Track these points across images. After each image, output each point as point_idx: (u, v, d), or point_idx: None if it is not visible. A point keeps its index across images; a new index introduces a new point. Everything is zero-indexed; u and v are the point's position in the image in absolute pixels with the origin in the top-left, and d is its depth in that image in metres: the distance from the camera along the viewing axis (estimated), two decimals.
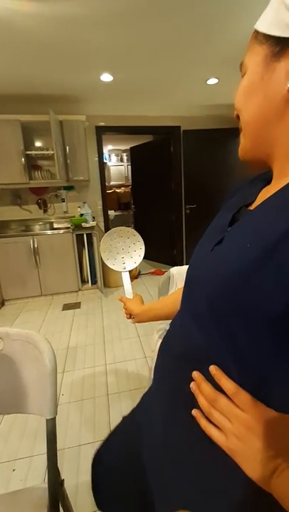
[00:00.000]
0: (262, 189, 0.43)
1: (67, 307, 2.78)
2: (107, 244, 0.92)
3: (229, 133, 3.47)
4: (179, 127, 3.49)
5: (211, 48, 2.04)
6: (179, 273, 1.38)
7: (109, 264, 0.92)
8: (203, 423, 0.37)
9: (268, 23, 0.33)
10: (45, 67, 2.20)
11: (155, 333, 1.36)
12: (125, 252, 0.94)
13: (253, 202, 0.42)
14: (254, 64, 0.35)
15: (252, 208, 0.41)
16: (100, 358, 1.93)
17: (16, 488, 0.81)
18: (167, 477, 0.44)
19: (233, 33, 1.85)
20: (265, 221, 0.33)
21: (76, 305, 2.81)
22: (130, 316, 0.84)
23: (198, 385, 0.38)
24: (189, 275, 0.45)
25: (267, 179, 0.43)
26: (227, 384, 0.34)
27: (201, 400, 0.37)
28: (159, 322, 1.28)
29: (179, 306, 0.72)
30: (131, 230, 0.94)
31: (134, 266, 0.92)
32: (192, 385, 0.39)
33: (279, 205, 0.33)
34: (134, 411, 0.64)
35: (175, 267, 1.43)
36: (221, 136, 3.52)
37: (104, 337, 2.19)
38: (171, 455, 0.44)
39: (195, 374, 0.39)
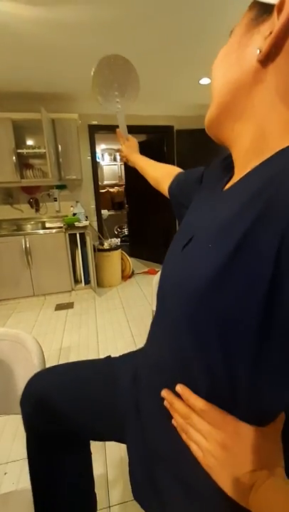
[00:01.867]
0: (228, 181, 0.41)
1: (60, 307, 2.75)
2: (98, 79, 0.78)
3: None
4: (172, 127, 3.49)
5: (203, 47, 2.05)
6: None
7: (102, 102, 0.82)
8: (184, 437, 0.36)
9: None
10: (37, 65, 2.17)
11: None
12: (119, 88, 0.80)
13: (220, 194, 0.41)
14: (238, 29, 0.34)
15: (215, 204, 0.39)
16: (93, 357, 1.90)
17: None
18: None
19: (225, 32, 1.85)
20: (227, 221, 0.31)
21: (69, 305, 2.79)
22: (126, 160, 0.88)
23: (171, 404, 0.37)
24: (161, 280, 0.43)
25: (231, 169, 0.41)
26: (196, 402, 0.33)
27: (176, 418, 0.37)
28: None
29: (163, 177, 0.75)
30: (124, 59, 0.79)
31: (130, 104, 0.81)
32: (165, 403, 0.38)
33: (243, 201, 0.30)
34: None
35: None
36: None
37: (98, 337, 2.17)
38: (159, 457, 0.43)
39: (164, 393, 0.38)
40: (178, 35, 1.88)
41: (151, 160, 0.84)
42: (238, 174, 0.36)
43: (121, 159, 0.90)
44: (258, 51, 0.30)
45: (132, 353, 0.65)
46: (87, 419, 0.58)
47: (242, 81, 0.32)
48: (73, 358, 1.93)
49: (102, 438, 0.67)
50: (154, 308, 1.39)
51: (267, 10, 0.30)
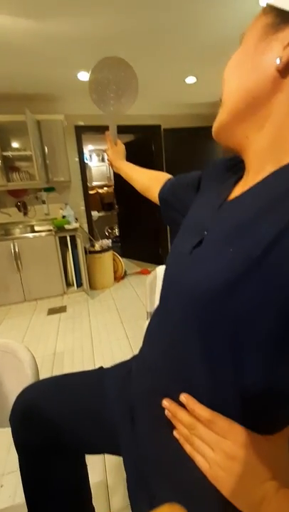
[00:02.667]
0: (236, 182, 0.41)
1: (52, 311, 2.70)
2: (96, 76, 0.75)
3: (209, 131, 3.49)
4: (160, 126, 3.48)
5: (188, 46, 2.04)
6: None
7: (95, 101, 0.79)
8: (188, 449, 0.34)
9: None
10: (20, 64, 2.12)
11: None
12: (116, 91, 0.77)
13: (228, 197, 0.40)
14: (252, 34, 0.33)
15: (228, 206, 0.38)
16: (88, 362, 1.88)
17: (4, 506, 0.77)
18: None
19: (209, 32, 1.86)
20: (247, 223, 0.30)
21: (62, 309, 2.74)
22: (111, 164, 0.88)
23: (174, 414, 0.35)
24: (167, 283, 0.42)
25: (238, 170, 0.41)
26: (202, 412, 0.32)
27: (180, 429, 0.35)
28: (147, 323, 1.25)
29: (152, 183, 0.74)
30: (128, 65, 0.77)
31: (124, 111, 0.79)
32: (167, 413, 0.37)
33: (262, 205, 0.30)
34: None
35: (161, 266, 1.41)
36: (202, 134, 3.54)
37: (93, 340, 2.14)
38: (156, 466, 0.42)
39: (166, 402, 0.36)
40: (163, 35, 1.87)
41: (138, 166, 0.83)
42: (253, 178, 0.36)
43: (108, 163, 0.90)
44: (278, 60, 0.29)
45: (124, 362, 0.64)
46: (79, 432, 0.56)
47: (259, 90, 0.32)
48: (67, 363, 1.89)
49: (96, 450, 0.65)
50: (149, 310, 1.37)
51: (286, 17, 0.30)
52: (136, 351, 0.55)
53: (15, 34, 1.72)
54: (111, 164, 0.89)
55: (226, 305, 0.29)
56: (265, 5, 0.33)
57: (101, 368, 0.68)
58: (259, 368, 0.27)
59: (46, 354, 2.00)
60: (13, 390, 0.73)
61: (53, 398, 0.58)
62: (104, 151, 0.81)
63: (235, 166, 0.43)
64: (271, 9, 0.31)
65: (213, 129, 0.39)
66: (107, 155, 0.88)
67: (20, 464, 0.59)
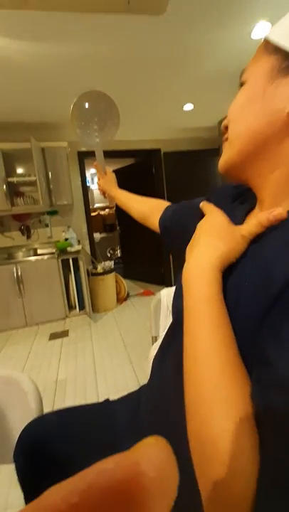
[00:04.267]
0: (248, 213, 0.40)
1: (54, 336, 2.64)
2: (77, 112, 0.77)
3: (208, 154, 3.61)
4: (159, 150, 3.60)
5: (186, 76, 2.16)
6: (169, 295, 1.33)
7: (80, 135, 0.80)
8: None
9: (281, 35, 0.30)
10: (26, 95, 2.24)
11: (149, 359, 1.28)
12: (99, 122, 0.79)
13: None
14: (258, 74, 0.32)
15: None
16: (91, 391, 1.80)
17: None
18: None
19: (206, 63, 1.97)
20: (267, 261, 0.30)
21: (64, 333, 2.68)
22: (104, 193, 0.89)
23: None
24: (178, 309, 0.41)
25: (246, 200, 0.40)
26: None
27: None
28: (153, 348, 1.21)
29: (152, 210, 0.74)
30: (105, 95, 0.79)
31: (108, 139, 0.80)
32: None
33: (280, 246, 0.30)
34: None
35: (165, 289, 1.39)
36: (200, 157, 3.65)
37: (95, 366, 2.07)
38: None
39: None
40: (162, 67, 1.98)
41: (133, 194, 0.83)
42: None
43: (99, 192, 0.93)
44: None
45: (132, 394, 0.61)
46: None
47: (271, 133, 0.32)
48: (70, 391, 1.81)
49: None
50: (154, 334, 1.33)
51: None
52: (140, 377, 0.53)
53: (21, 67, 1.83)
54: (104, 193, 0.89)
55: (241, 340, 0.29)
56: (264, 38, 0.33)
57: (107, 400, 0.64)
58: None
59: (48, 382, 1.92)
60: (17, 423, 0.69)
61: (60, 435, 0.55)
62: (96, 169, 0.82)
63: (243, 195, 0.43)
64: (276, 50, 0.31)
65: (221, 167, 0.39)
66: (99, 185, 0.89)
67: (25, 502, 0.54)
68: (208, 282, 0.31)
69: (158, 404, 0.44)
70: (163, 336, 0.52)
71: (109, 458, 0.09)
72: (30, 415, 0.67)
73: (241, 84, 0.36)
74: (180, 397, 0.35)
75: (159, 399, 0.44)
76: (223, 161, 0.38)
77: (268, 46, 0.32)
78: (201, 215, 0.54)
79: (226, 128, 0.38)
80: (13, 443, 0.68)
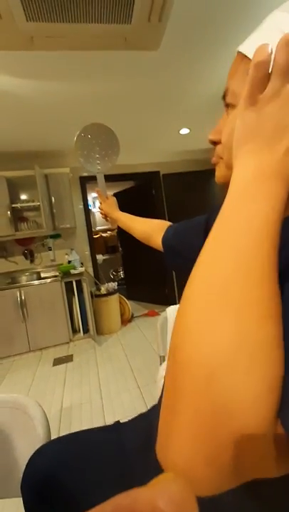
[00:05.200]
0: None
1: (58, 361, 2.57)
2: (80, 143, 0.86)
3: (205, 174, 3.73)
4: (158, 172, 3.71)
5: (181, 103, 2.28)
6: (175, 313, 1.31)
7: (83, 164, 0.87)
8: None
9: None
10: (31, 126, 2.36)
11: (158, 381, 1.24)
12: (100, 151, 0.87)
13: None
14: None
15: None
16: (98, 418, 1.72)
17: None
18: None
19: (200, 91, 2.09)
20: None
21: (68, 358, 2.61)
22: (106, 216, 0.90)
23: None
24: None
25: None
26: None
27: None
28: (162, 368, 1.17)
29: (154, 230, 0.75)
30: (106, 127, 0.88)
31: (109, 167, 0.87)
32: None
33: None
34: None
35: (171, 307, 1.37)
36: (198, 177, 3.76)
37: (101, 392, 1.99)
38: None
39: None
40: (158, 97, 2.10)
41: (135, 216, 0.86)
42: None
43: (101, 215, 0.98)
44: None
45: (143, 416, 0.58)
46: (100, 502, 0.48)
47: None
48: (76, 419, 1.73)
49: None
50: (162, 354, 1.29)
51: None
52: (148, 402, 0.51)
53: (26, 102, 1.94)
54: (106, 217, 0.92)
55: None
56: (242, 53, 0.33)
57: (118, 423, 0.61)
58: None
59: (53, 410, 1.84)
60: (23, 451, 0.66)
61: (69, 465, 0.51)
62: (97, 194, 0.87)
63: None
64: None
65: (219, 180, 0.40)
66: (101, 209, 0.92)
67: None
68: (276, 195, 0.24)
69: None
70: None
71: (126, 493, 0.09)
72: (37, 442, 0.64)
73: (227, 105, 0.37)
74: None
75: None
76: (221, 177, 0.39)
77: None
78: (205, 234, 0.55)
79: (215, 142, 0.39)
80: (19, 473, 0.64)
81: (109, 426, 0.61)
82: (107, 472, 0.50)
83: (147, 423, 0.52)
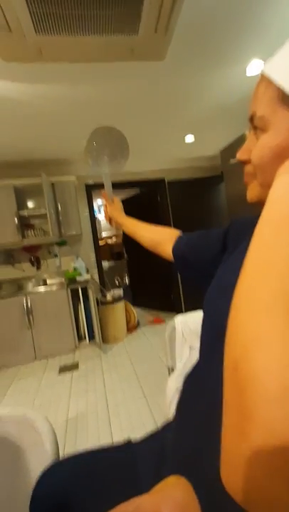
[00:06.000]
0: None
1: (64, 369, 2.55)
2: (91, 144, 0.86)
3: (211, 181, 3.72)
4: (164, 179, 3.73)
5: (186, 111, 2.29)
6: (184, 322, 1.28)
7: (91, 164, 0.86)
8: None
9: None
10: (38, 135, 2.39)
11: (167, 394, 1.21)
12: (110, 154, 0.87)
13: None
14: (284, 128, 0.33)
15: None
16: (104, 429, 1.69)
17: None
18: None
19: (205, 99, 2.10)
20: None
21: (74, 366, 2.59)
22: (110, 219, 0.89)
23: None
24: (217, 326, 0.40)
25: None
26: None
27: None
28: (170, 379, 1.15)
29: (164, 239, 0.73)
30: (118, 131, 0.88)
31: (118, 170, 0.87)
32: None
33: None
34: None
35: (179, 316, 1.35)
36: (204, 184, 3.76)
37: (108, 402, 1.96)
38: None
39: None
40: (164, 105, 2.12)
41: (141, 222, 0.85)
42: None
43: (105, 219, 0.97)
44: None
45: (155, 436, 0.56)
46: None
47: None
48: (82, 430, 1.71)
49: None
50: (170, 365, 1.26)
51: None
52: (155, 412, 0.49)
53: (33, 110, 1.98)
54: (110, 221, 0.91)
55: None
56: (280, 87, 0.32)
57: (129, 442, 0.59)
58: None
59: (58, 421, 1.82)
60: (31, 467, 0.64)
61: (79, 487, 0.50)
62: (104, 199, 0.87)
63: None
64: None
65: (252, 200, 0.40)
66: (106, 212, 0.91)
67: None
68: None
69: (182, 452, 0.40)
70: (189, 368, 0.49)
71: (130, 500, 0.08)
72: (45, 457, 0.62)
73: (254, 127, 0.36)
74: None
75: (184, 444, 0.40)
76: (255, 196, 0.39)
77: (285, 99, 0.32)
78: (223, 247, 0.53)
79: (245, 162, 0.39)
80: (26, 490, 0.62)
81: (120, 446, 0.59)
82: (117, 495, 0.48)
83: (160, 445, 0.50)
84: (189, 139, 2.96)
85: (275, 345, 0.20)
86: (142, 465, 0.50)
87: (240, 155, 0.40)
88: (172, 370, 1.23)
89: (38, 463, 0.64)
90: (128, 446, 0.57)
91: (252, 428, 0.18)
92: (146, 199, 3.97)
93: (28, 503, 0.52)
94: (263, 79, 0.34)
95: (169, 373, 1.23)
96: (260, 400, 0.18)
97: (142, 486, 0.47)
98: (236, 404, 0.20)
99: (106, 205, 0.92)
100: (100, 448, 0.59)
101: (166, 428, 0.53)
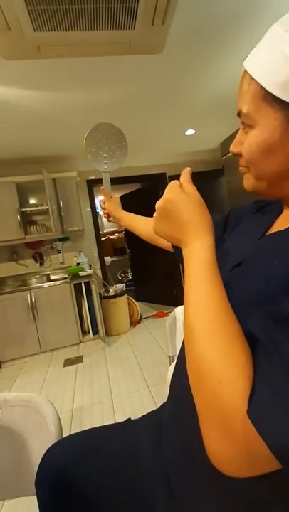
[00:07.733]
0: (277, 217, 0.44)
1: (68, 362, 2.60)
2: (90, 140, 0.88)
3: (212, 174, 3.71)
4: (165, 173, 3.72)
5: (186, 106, 2.29)
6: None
7: (91, 160, 0.89)
8: None
9: (280, 87, 0.31)
10: (38, 133, 2.41)
11: (167, 381, 1.24)
12: (108, 151, 0.89)
13: (268, 229, 0.43)
14: (269, 125, 0.34)
15: (268, 238, 0.41)
16: (108, 418, 1.74)
17: None
18: None
19: (204, 93, 2.09)
20: (282, 252, 0.34)
21: (78, 359, 2.64)
22: (108, 215, 0.92)
23: None
24: None
25: (278, 208, 0.44)
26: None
27: None
28: (171, 368, 1.18)
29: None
30: (117, 128, 0.89)
31: (116, 167, 0.90)
32: None
33: None
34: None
35: (180, 307, 1.37)
36: (205, 177, 3.75)
37: (112, 392, 2.01)
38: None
39: None
40: (163, 99, 2.11)
41: (139, 215, 0.87)
42: None
43: (103, 214, 0.99)
44: None
45: (154, 414, 0.59)
46: (115, 502, 0.50)
47: None
48: (86, 420, 1.76)
49: None
50: (171, 354, 1.30)
51: None
52: (158, 402, 0.52)
53: (33, 111, 1.99)
54: (108, 216, 0.93)
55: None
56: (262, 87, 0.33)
57: (129, 420, 0.62)
58: None
59: (64, 411, 1.87)
60: (36, 450, 0.68)
61: (81, 462, 0.53)
62: (102, 194, 0.89)
63: (263, 208, 0.49)
64: (278, 102, 0.32)
65: (248, 189, 0.42)
66: (104, 208, 0.94)
67: None
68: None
69: (176, 426, 0.43)
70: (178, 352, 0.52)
71: None
72: (50, 440, 0.66)
73: (243, 123, 0.38)
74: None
75: (180, 419, 0.43)
76: (250, 186, 0.41)
77: (267, 97, 0.32)
78: (223, 230, 0.56)
79: (238, 154, 0.41)
80: (32, 471, 0.66)
81: (120, 423, 0.62)
82: (117, 468, 0.51)
83: (158, 420, 0.53)
84: (190, 132, 2.95)
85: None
86: (140, 438, 0.53)
87: (233, 147, 0.41)
88: (173, 358, 1.26)
89: (42, 444, 0.67)
90: (128, 423, 0.60)
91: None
92: (147, 194, 3.97)
93: (34, 480, 0.56)
94: (246, 74, 0.35)
95: (170, 362, 1.26)
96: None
97: (141, 457, 0.50)
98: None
99: (104, 201, 0.94)
100: (101, 426, 0.62)
101: (164, 406, 0.56)
